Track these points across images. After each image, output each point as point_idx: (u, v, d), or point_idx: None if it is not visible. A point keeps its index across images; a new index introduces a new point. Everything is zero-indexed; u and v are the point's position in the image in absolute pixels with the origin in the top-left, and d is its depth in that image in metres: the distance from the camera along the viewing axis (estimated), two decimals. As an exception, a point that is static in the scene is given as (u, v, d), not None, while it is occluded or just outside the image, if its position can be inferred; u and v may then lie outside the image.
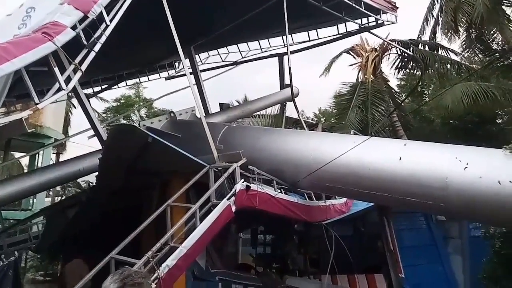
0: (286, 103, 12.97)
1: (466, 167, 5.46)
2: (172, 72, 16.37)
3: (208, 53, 15.25)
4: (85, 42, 4.85)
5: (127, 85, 17.13)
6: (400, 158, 5.92)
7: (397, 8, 11.42)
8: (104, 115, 26.45)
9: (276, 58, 12.77)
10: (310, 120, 19.76)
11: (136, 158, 7.49)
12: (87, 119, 7.97)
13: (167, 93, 12.21)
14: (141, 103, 26.84)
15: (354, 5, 10.04)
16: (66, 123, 22.03)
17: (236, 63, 14.43)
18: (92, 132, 8.52)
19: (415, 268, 9.29)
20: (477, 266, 8.26)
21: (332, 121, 21.65)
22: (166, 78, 16.42)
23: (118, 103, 26.06)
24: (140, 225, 8.75)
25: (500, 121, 21.06)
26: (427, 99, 23.01)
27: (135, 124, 8.07)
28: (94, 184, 11.38)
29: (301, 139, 7.23)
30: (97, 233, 8.84)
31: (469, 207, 5.52)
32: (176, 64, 16.38)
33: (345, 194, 7.24)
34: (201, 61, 15.13)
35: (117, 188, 8.33)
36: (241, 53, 14.37)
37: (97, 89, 15.71)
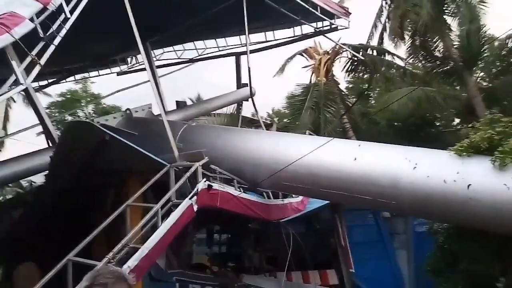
0: (242, 102, 13.10)
1: (415, 167, 5.83)
2: (124, 68, 15.91)
3: (163, 50, 14.99)
4: (42, 35, 4.63)
5: (75, 80, 16.36)
6: (355, 159, 6.21)
7: (350, 13, 11.89)
8: (47, 110, 25.05)
9: (232, 58, 12.85)
10: (263, 120, 19.96)
11: (91, 156, 7.23)
12: (36, 115, 7.58)
13: (121, 88, 11.80)
14: (89, 99, 25.77)
15: (310, 9, 10.33)
16: (5, 118, 20.66)
17: (192, 61, 14.31)
18: (39, 129, 8.14)
19: (364, 263, 9.74)
20: (421, 260, 8.80)
21: (285, 121, 22.12)
22: (118, 74, 15.92)
23: (64, 98, 24.79)
24: (93, 225, 8.50)
25: (439, 124, 22.54)
26: (373, 102, 24.13)
27: (88, 120, 7.76)
28: (41, 183, 10.85)
29: (261, 139, 7.36)
30: (45, 235, 8.46)
31: (418, 204, 5.91)
32: (129, 59, 15.95)
33: (304, 193, 7.47)
34: (155, 57, 14.83)
35: (68, 187, 8.01)
36: (197, 51, 14.28)
37: (42, 83, 14.92)
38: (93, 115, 23.89)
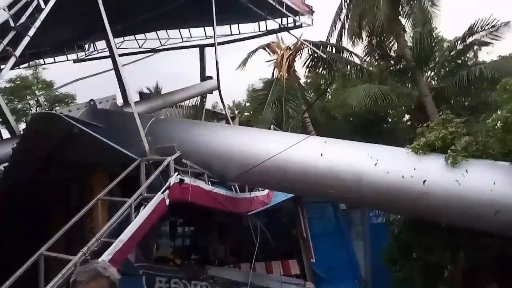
0: (206, 95, 13.10)
1: (376, 163, 6.24)
2: (81, 55, 15.35)
3: (123, 38, 14.61)
4: (12, 25, 4.48)
5: (29, 66, 15.59)
6: (322, 154, 6.53)
7: (314, 12, 12.23)
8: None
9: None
10: (224, 112, 20.03)
11: (55, 149, 7.05)
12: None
13: (82, 77, 11.40)
14: (40, 86, 24.59)
15: (277, 5, 10.53)
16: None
17: (154, 51, 14.07)
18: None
19: (324, 253, 10.20)
20: (377, 249, 9.37)
21: (246, 115, 22.32)
22: (75, 61, 15.33)
23: (13, 85, 23.47)
24: (54, 219, 8.30)
25: (391, 120, 23.69)
26: (329, 97, 24.86)
27: (55, 112, 7.50)
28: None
29: (230, 134, 7.50)
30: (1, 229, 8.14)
31: (378, 198, 6.34)
32: (86, 46, 15.41)
33: (273, 187, 7.71)
34: (115, 45, 14.41)
35: (28, 180, 7.75)
36: (160, 41, 14.05)
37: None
38: (45, 103, 22.86)
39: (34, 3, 4.66)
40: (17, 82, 23.41)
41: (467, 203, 5.61)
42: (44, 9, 4.63)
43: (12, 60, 4.25)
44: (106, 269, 2.11)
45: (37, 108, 26.03)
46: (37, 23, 4.56)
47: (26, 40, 4.44)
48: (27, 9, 4.49)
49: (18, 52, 4.31)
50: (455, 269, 6.88)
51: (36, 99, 23.25)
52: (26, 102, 22.24)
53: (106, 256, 4.89)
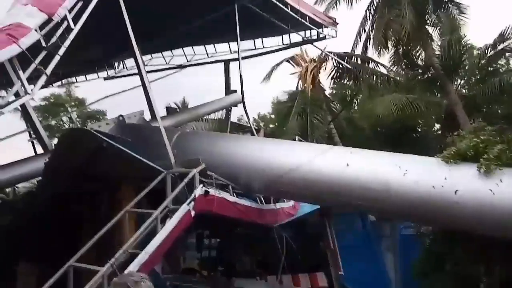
0: (231, 108, 13.25)
1: (405, 173, 6.10)
2: (111, 73, 15.88)
3: (151, 56, 15.03)
4: (44, 45, 4.69)
5: (62, 85, 16.24)
6: (348, 165, 6.44)
7: (337, 23, 12.21)
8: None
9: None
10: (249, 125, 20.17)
11: (85, 163, 7.27)
12: (28, 122, 7.56)
13: (112, 93, 11.74)
14: (73, 103, 25.52)
15: (300, 19, 10.59)
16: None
17: (181, 67, 14.38)
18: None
19: (353, 266, 10.00)
20: (407, 262, 9.11)
21: (271, 127, 22.35)
22: (105, 79, 15.89)
23: (47, 102, 24.46)
24: (86, 231, 8.49)
25: (420, 130, 23.12)
26: (356, 108, 24.58)
27: (86, 127, 7.78)
28: (30, 189, 10.74)
29: (255, 145, 7.53)
30: (36, 241, 8.44)
31: (407, 208, 6.18)
32: (116, 64, 15.93)
33: (299, 198, 7.66)
34: (143, 63, 14.83)
35: (61, 193, 8.00)
36: (186, 57, 14.37)
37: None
38: (78, 119, 23.66)
39: (65, 24, 4.86)
40: (51, 100, 24.38)
41: (501, 213, 5.39)
42: (73, 29, 4.83)
43: (43, 78, 4.44)
44: (137, 283, 2.11)
45: (70, 124, 27.02)
46: (67, 42, 4.75)
47: (56, 59, 4.62)
48: (57, 29, 4.68)
49: (49, 70, 4.49)
50: (491, 282, 6.58)
51: (69, 115, 24.10)
52: (60, 119, 23.05)
53: (133, 267, 4.96)
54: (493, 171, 5.54)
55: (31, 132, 9.49)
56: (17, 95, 4.56)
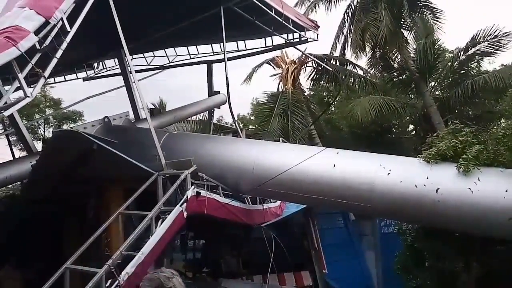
0: (214, 109, 13.34)
1: (389, 173, 6.36)
2: (91, 73, 15.69)
3: (132, 56, 14.91)
4: (38, 47, 4.68)
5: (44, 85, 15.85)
6: (334, 165, 6.66)
7: (319, 27, 12.49)
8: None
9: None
10: (231, 126, 20.32)
11: (73, 165, 7.23)
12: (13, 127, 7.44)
13: (94, 94, 11.64)
14: (48, 104, 24.95)
15: (283, 22, 10.78)
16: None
17: (163, 67, 14.37)
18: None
19: (336, 264, 10.25)
20: (388, 259, 9.40)
21: (251, 128, 22.51)
22: (84, 79, 15.70)
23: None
24: (71, 233, 8.41)
25: (395, 131, 23.81)
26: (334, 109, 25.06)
27: (75, 129, 7.71)
28: (10, 192, 10.55)
29: (243, 147, 7.65)
30: (15, 243, 8.32)
31: (392, 207, 6.43)
32: (95, 64, 15.75)
33: (286, 198, 7.83)
34: (131, 63, 14.73)
35: (46, 195, 7.92)
36: (168, 58, 14.36)
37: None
38: (54, 120, 23.18)
39: (59, 24, 4.87)
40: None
41: (480, 211, 5.70)
42: (69, 31, 4.84)
43: (42, 81, 4.44)
44: (170, 279, 2.17)
45: (45, 126, 26.40)
46: (64, 45, 4.77)
47: (54, 61, 4.63)
48: (52, 31, 4.68)
49: (47, 73, 4.50)
50: (469, 277, 6.93)
51: (44, 117, 23.58)
52: (36, 121, 22.51)
53: (130, 268, 5.02)
54: (471, 170, 5.85)
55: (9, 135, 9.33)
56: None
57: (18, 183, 8.73)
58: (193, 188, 6.36)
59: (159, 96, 23.30)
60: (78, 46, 11.87)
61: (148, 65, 14.68)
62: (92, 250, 6.38)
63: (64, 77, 15.32)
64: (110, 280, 4.88)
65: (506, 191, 5.56)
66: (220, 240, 10.36)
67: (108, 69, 15.56)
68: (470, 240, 6.44)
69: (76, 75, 15.50)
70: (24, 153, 12.76)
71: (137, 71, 14.58)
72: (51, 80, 15.83)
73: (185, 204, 6.09)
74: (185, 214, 6.10)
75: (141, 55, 14.63)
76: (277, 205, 8.76)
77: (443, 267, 6.92)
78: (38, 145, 14.46)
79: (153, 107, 20.66)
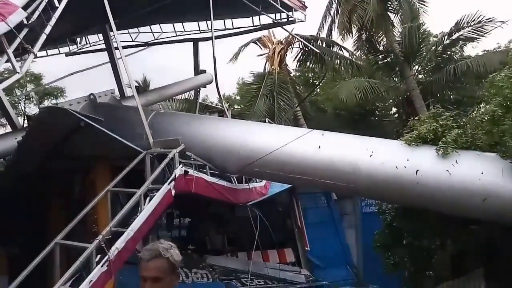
0: (200, 88, 13.30)
1: (371, 155, 6.58)
2: (74, 48, 15.36)
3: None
4: (26, 22, 4.63)
5: (21, 59, 15.47)
6: (320, 147, 6.84)
7: (307, 7, 12.47)
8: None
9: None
10: (216, 105, 20.29)
11: (59, 142, 7.21)
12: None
13: (78, 70, 11.44)
14: (28, 79, 24.34)
15: (271, 1, 10.74)
16: None
17: (148, 44, 14.16)
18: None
19: (318, 242, 10.60)
20: (368, 237, 9.76)
21: (237, 108, 22.52)
22: (67, 54, 15.36)
23: (1, 77, 23.17)
24: (56, 210, 8.43)
25: (379, 113, 24.17)
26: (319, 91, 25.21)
27: (61, 106, 7.62)
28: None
29: (230, 127, 7.74)
30: (3, 223, 8.30)
31: (374, 187, 6.69)
32: (78, 40, 15.41)
33: (273, 178, 7.99)
34: (118, 39, 14.45)
35: (32, 172, 7.89)
36: (153, 35, 14.14)
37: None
38: (35, 95, 22.68)
39: (46, 1, 4.81)
40: (5, 75, 23.11)
41: (456, 192, 5.98)
42: (58, 7, 4.78)
43: (31, 57, 4.41)
44: (168, 250, 2.23)
45: (25, 102, 25.81)
46: (53, 21, 4.72)
47: (43, 37, 4.60)
48: (39, 5, 4.62)
49: (36, 49, 4.47)
50: (444, 255, 7.28)
51: (26, 93, 23.04)
52: (17, 96, 21.99)
53: (120, 243, 5.13)
54: (450, 153, 6.10)
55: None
56: None
57: (1, 160, 8.62)
58: (181, 167, 6.44)
59: (142, 73, 22.92)
60: (62, 20, 11.68)
61: (133, 41, 14.44)
62: (77, 226, 6.47)
63: (46, 52, 14.92)
64: (99, 256, 4.98)
65: (482, 173, 5.84)
66: (206, 218, 10.55)
67: (91, 44, 15.27)
68: (446, 219, 6.75)
69: (59, 49, 15.15)
70: (6, 129, 12.58)
71: (122, 48, 14.40)
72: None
73: (173, 183, 6.19)
74: (173, 192, 6.20)
75: (126, 31, 14.38)
76: (262, 184, 8.94)
77: (420, 245, 7.24)
78: (20, 121, 14.25)
79: (137, 84, 20.42)
